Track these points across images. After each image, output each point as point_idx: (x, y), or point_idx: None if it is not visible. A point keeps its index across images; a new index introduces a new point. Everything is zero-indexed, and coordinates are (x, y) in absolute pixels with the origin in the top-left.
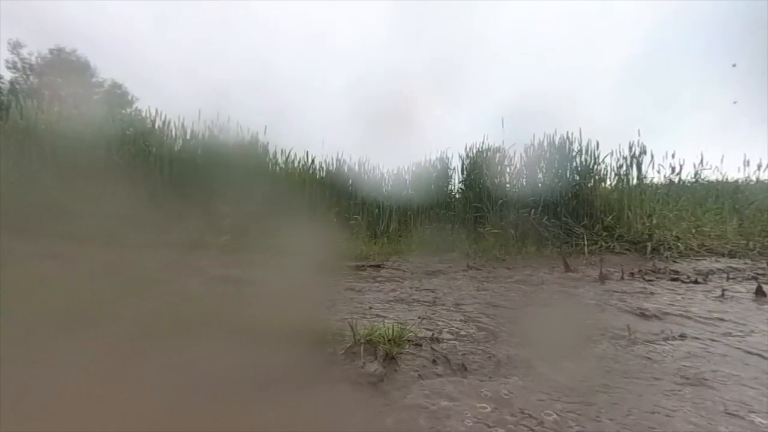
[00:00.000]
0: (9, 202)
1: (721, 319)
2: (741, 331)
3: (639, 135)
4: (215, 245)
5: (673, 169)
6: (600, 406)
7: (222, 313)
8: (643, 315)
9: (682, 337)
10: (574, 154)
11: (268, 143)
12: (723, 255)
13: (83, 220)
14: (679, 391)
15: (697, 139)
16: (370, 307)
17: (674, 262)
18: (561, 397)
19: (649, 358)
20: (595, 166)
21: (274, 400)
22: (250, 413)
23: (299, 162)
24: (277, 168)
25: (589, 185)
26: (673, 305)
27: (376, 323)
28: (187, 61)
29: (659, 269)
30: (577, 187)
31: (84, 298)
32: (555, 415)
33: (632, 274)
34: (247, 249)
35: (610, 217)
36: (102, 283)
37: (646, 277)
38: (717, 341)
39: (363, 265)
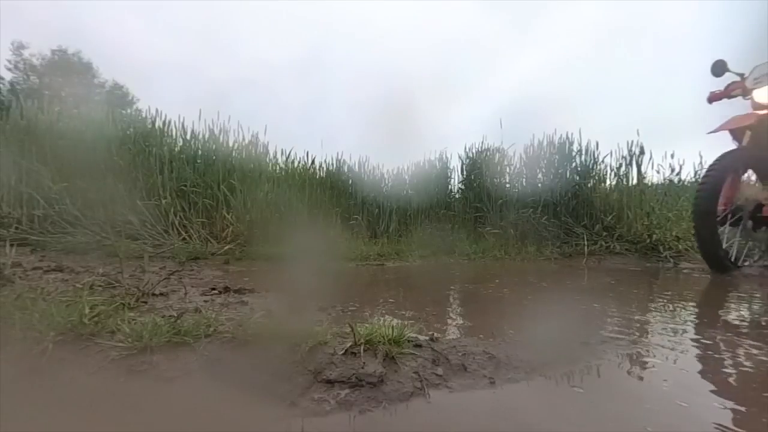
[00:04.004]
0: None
1: None
2: None
3: (638, 135)
4: (213, 243)
5: (673, 170)
6: None
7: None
8: None
9: None
10: (573, 154)
11: (268, 143)
12: None
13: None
14: None
15: (696, 139)
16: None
17: (676, 263)
18: None
19: None
20: (595, 166)
21: (271, 404)
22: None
23: (299, 162)
24: (277, 168)
25: (588, 185)
26: None
27: (376, 323)
28: (187, 62)
29: None
30: (576, 187)
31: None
32: None
33: None
34: (246, 249)
35: (609, 217)
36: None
37: None
38: None
39: (362, 266)
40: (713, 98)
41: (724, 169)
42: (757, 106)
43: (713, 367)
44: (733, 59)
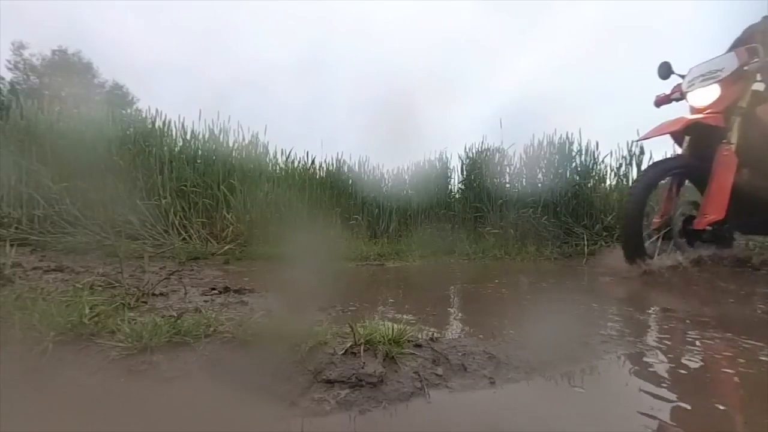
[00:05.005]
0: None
1: None
2: None
3: (638, 135)
4: (214, 242)
5: None
6: None
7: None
8: None
9: None
10: (573, 154)
11: (268, 143)
12: None
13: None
14: None
15: None
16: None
17: None
18: None
19: None
20: (595, 166)
21: (271, 404)
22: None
23: (299, 162)
24: (278, 168)
25: (588, 185)
26: None
27: (376, 323)
28: (187, 62)
29: None
30: (576, 187)
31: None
32: None
33: None
34: (246, 249)
35: (609, 217)
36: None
37: None
38: None
39: (362, 266)
40: (659, 102)
41: (655, 177)
42: (693, 109)
43: (714, 367)
44: None
